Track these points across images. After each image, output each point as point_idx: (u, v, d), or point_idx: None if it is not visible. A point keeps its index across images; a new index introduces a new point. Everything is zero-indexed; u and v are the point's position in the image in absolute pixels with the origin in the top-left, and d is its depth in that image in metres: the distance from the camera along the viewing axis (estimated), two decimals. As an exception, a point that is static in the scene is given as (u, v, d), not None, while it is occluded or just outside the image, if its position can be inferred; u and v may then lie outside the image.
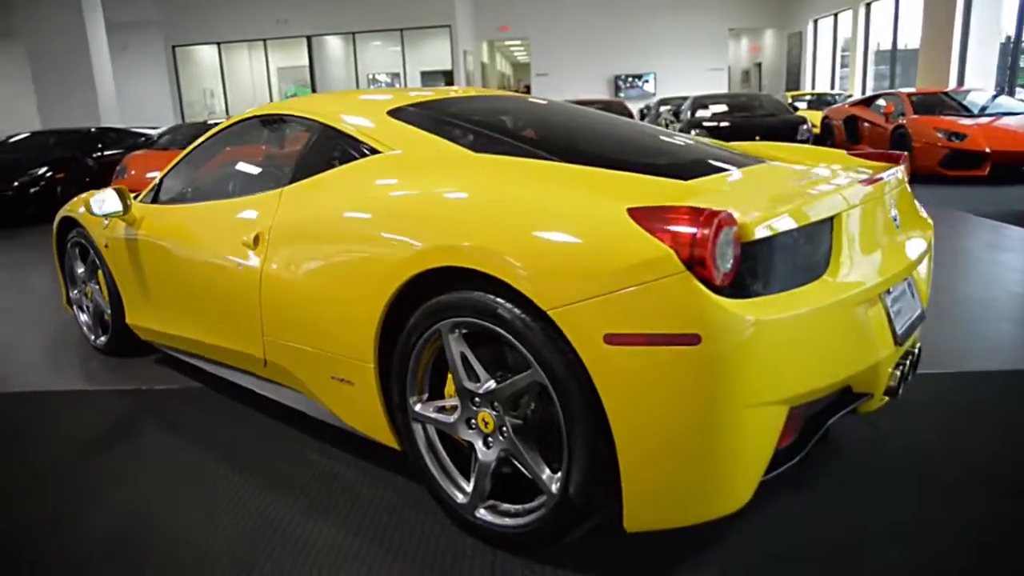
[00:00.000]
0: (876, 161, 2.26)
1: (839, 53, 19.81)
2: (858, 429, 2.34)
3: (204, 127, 8.81)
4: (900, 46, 16.46)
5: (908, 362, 1.88)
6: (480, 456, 1.79)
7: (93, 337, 3.57)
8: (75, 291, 3.68)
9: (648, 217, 1.45)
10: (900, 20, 16.13)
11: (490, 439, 1.78)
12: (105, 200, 2.97)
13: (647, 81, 22.53)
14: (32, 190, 8.56)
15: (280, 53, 21.77)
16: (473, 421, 1.80)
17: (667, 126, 12.41)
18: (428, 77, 21.31)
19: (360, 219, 2.01)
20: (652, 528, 1.59)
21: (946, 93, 9.93)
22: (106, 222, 3.18)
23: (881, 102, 9.94)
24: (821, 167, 2.14)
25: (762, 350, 1.43)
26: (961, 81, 12.36)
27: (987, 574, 1.68)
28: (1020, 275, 4.28)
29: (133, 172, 8.03)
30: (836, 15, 19.46)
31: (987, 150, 7.91)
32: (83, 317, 3.65)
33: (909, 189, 2.22)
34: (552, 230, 1.55)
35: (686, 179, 1.71)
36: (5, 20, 15.29)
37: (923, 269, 2.09)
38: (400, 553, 1.83)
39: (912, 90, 10.34)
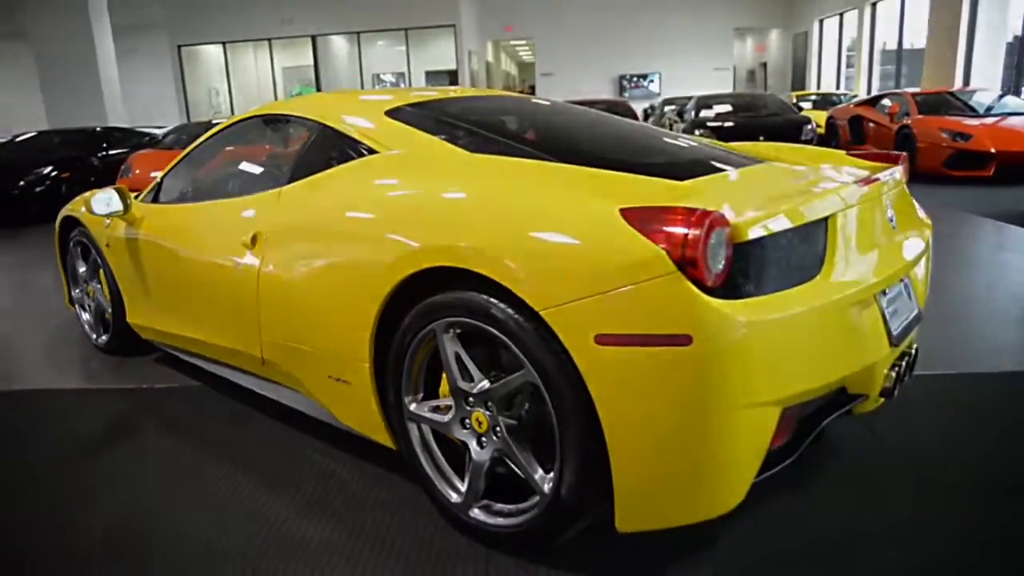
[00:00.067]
0: (875, 161, 2.25)
1: (844, 53, 19.74)
2: (854, 430, 2.34)
3: (208, 127, 8.84)
4: (906, 46, 16.40)
5: (904, 363, 1.88)
6: (474, 456, 1.80)
7: (95, 336, 3.59)
8: (77, 290, 3.70)
9: (640, 217, 1.45)
10: (906, 20, 16.07)
11: (484, 439, 1.78)
12: (106, 199, 2.99)
13: (652, 81, 22.51)
14: (37, 189, 8.61)
15: (285, 53, 21.83)
16: (467, 421, 1.80)
17: (671, 126, 12.40)
18: (433, 77, 21.34)
19: (355, 219, 2.02)
20: (644, 528, 1.59)
21: (951, 93, 9.89)
22: (107, 221, 3.19)
23: (886, 102, 9.90)
24: (818, 168, 2.14)
25: (754, 351, 1.43)
26: (967, 81, 12.31)
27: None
28: (1023, 276, 4.26)
29: (138, 171, 8.07)
30: (841, 15, 19.39)
31: (992, 150, 7.87)
32: (85, 316, 3.67)
33: (907, 189, 2.21)
34: (545, 230, 1.56)
35: (682, 179, 1.71)
36: (12, 21, 15.37)
37: (921, 270, 2.08)
38: (395, 553, 1.83)
39: (917, 90, 10.30)
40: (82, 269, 3.58)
